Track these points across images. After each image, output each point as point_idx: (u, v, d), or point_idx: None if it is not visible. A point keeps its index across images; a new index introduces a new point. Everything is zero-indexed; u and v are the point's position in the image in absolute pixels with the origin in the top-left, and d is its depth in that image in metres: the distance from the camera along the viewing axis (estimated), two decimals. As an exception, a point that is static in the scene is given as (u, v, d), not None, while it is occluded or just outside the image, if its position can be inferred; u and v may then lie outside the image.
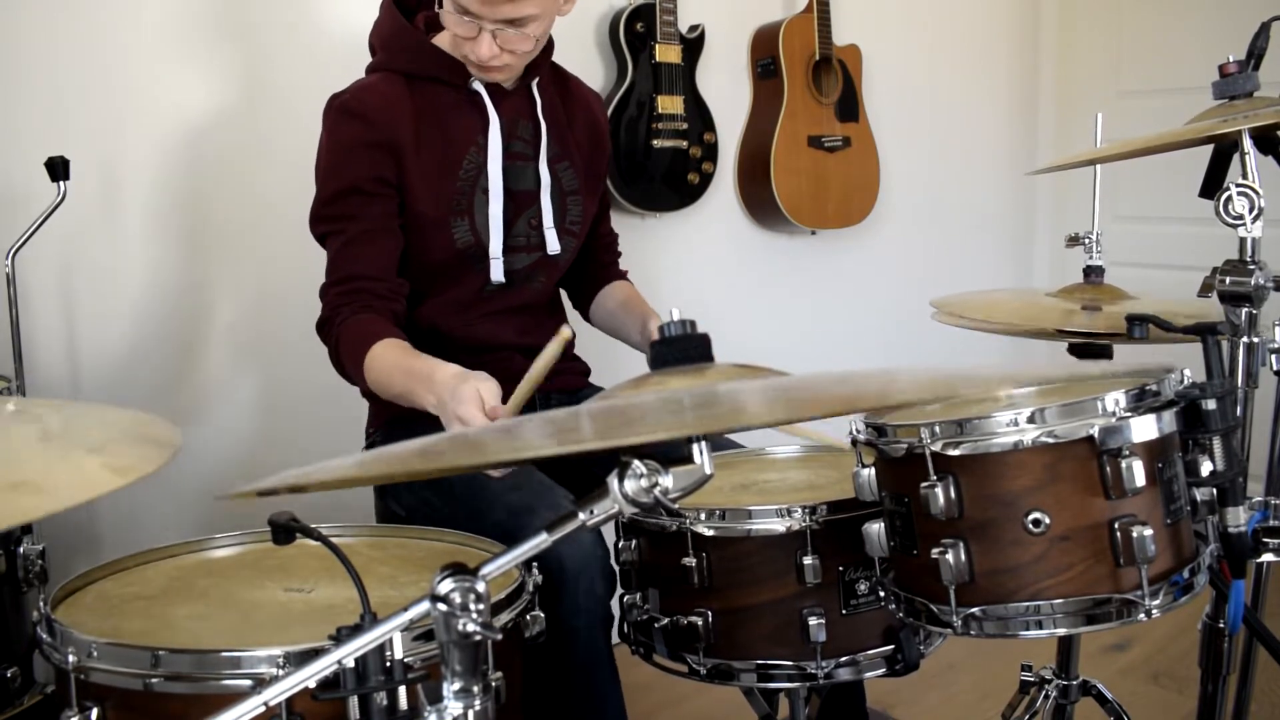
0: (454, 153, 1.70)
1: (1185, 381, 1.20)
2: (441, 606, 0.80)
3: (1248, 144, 1.36)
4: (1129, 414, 1.12)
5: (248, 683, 1.03)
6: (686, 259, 2.85)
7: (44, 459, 0.92)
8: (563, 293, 1.99)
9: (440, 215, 1.69)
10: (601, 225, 1.99)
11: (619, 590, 1.49)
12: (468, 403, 1.40)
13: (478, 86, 1.71)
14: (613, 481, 0.83)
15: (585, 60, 2.60)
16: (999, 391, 0.79)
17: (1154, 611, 1.11)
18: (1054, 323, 1.60)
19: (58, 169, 1.71)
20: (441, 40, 1.73)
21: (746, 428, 0.94)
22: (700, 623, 1.36)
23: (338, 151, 1.67)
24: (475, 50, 1.61)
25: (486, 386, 1.42)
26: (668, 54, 2.61)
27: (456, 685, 0.82)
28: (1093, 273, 1.72)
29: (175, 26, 2.06)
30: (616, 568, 1.49)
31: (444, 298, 1.75)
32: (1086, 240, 1.72)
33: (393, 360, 1.55)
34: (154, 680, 1.04)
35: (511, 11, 1.57)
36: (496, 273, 1.73)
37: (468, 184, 1.70)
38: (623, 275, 2.00)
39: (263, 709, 0.80)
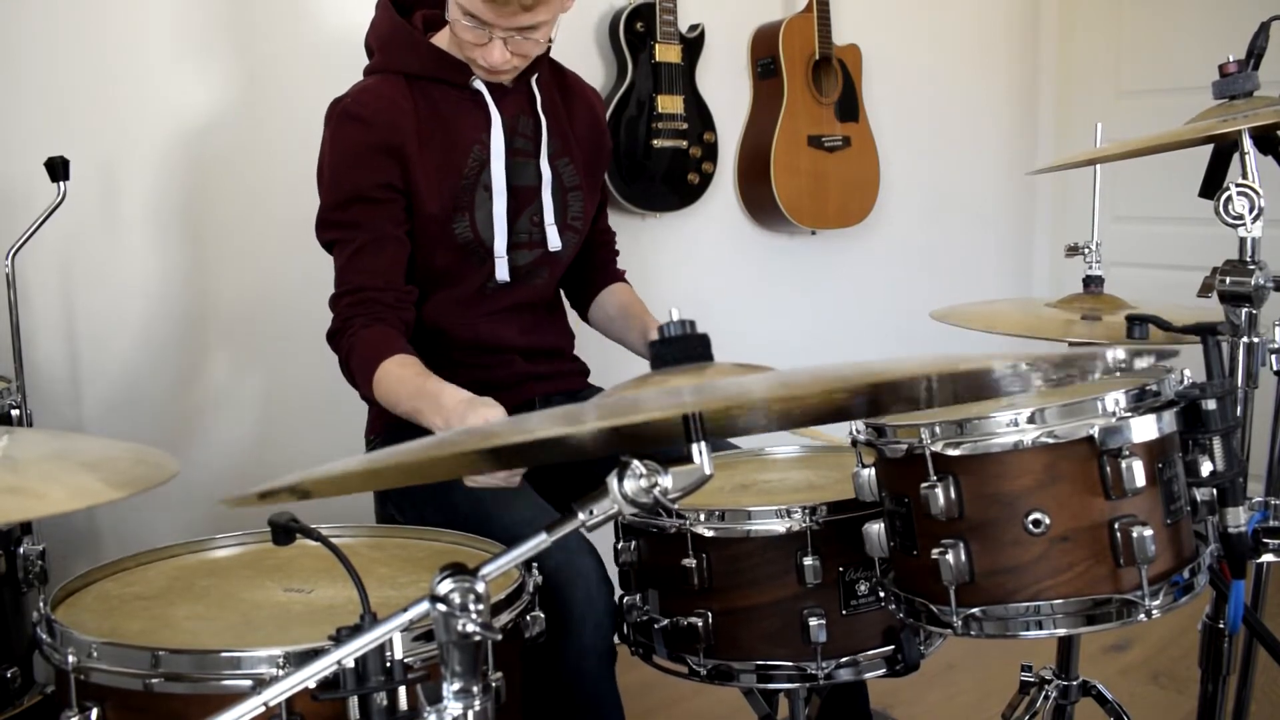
0: (458, 152, 1.70)
1: (1185, 381, 1.20)
2: (441, 607, 0.79)
3: (1248, 144, 1.36)
4: (1129, 414, 1.12)
5: (248, 683, 1.03)
6: (686, 259, 2.85)
7: (43, 472, 0.93)
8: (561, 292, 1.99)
9: (444, 214, 1.69)
10: (599, 222, 1.98)
11: (619, 592, 1.49)
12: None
13: (479, 85, 1.71)
14: (612, 482, 0.83)
15: (585, 60, 2.59)
16: (996, 365, 0.79)
17: (1154, 612, 1.11)
18: (1054, 333, 1.62)
19: (58, 169, 1.71)
20: (440, 39, 1.73)
21: (747, 408, 0.94)
22: (700, 623, 1.36)
23: (342, 157, 1.66)
24: (487, 57, 1.61)
25: (494, 413, 1.42)
26: (668, 54, 2.61)
27: (456, 685, 0.82)
28: (1092, 283, 1.72)
29: (175, 27, 2.06)
30: (616, 569, 1.48)
31: (446, 295, 1.74)
32: (1086, 250, 1.72)
33: (402, 379, 1.55)
34: (154, 680, 1.05)
35: (526, 20, 1.57)
36: (501, 271, 1.73)
37: (469, 181, 1.70)
38: (621, 275, 2.00)
39: (263, 709, 0.80)
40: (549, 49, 1.81)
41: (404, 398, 1.54)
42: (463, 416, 1.42)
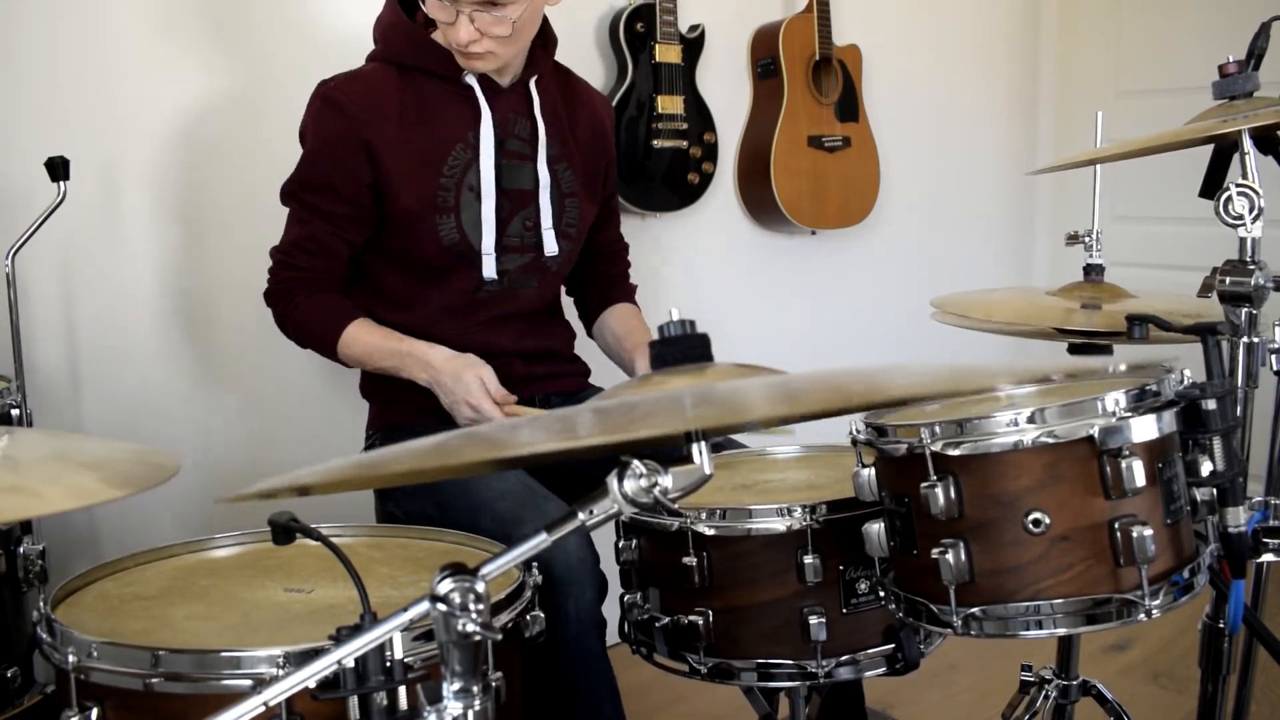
0: (439, 148, 1.69)
1: (1185, 381, 1.20)
2: (441, 606, 0.79)
3: (1248, 144, 1.36)
4: (1129, 414, 1.12)
5: (248, 683, 1.03)
6: (686, 259, 2.85)
7: (43, 472, 0.93)
8: (564, 299, 1.97)
9: (424, 211, 1.68)
10: (607, 232, 1.95)
11: (620, 590, 1.49)
12: (476, 392, 1.58)
13: (471, 81, 1.70)
14: (612, 481, 0.82)
15: (585, 60, 2.59)
16: (999, 383, 0.79)
17: (1154, 611, 1.11)
18: (1054, 321, 1.59)
19: (58, 169, 1.71)
20: (440, 34, 1.72)
21: (747, 425, 0.94)
22: (701, 622, 1.36)
23: (318, 143, 1.71)
24: (455, 34, 1.61)
25: (487, 373, 1.60)
26: (668, 54, 2.61)
27: (456, 685, 0.82)
28: (1092, 271, 1.72)
29: (175, 26, 2.06)
30: (617, 568, 1.48)
31: (437, 303, 1.73)
32: (1086, 239, 1.71)
33: (373, 341, 1.69)
34: (154, 680, 1.04)
35: None
36: (488, 269, 1.72)
37: (453, 180, 1.69)
38: (630, 293, 1.98)
39: (263, 709, 0.80)
40: (552, 50, 1.80)
41: (380, 357, 1.69)
42: (458, 378, 1.60)
